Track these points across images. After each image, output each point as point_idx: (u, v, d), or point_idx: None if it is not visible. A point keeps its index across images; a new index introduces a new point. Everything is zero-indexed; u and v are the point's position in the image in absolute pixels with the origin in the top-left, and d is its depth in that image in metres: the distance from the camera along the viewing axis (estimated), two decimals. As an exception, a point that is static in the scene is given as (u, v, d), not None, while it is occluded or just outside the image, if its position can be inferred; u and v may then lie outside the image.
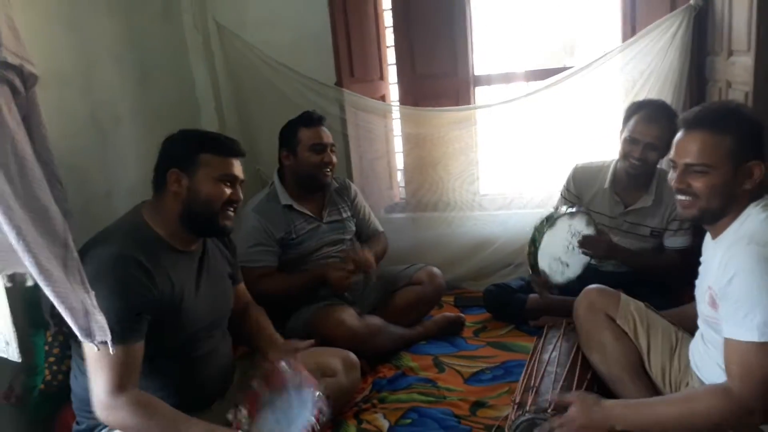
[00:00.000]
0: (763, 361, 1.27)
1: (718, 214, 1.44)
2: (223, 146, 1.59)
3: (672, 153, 1.49)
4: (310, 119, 2.33)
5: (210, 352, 1.62)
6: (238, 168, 1.61)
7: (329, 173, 2.35)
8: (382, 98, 3.17)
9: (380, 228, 2.61)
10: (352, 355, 1.96)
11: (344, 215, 2.46)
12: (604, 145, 2.76)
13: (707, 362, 1.52)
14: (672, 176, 1.48)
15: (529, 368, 1.83)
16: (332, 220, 2.41)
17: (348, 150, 2.95)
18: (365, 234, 2.56)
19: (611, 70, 2.73)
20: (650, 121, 2.19)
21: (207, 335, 1.62)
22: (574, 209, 2.16)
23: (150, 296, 1.43)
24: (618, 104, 2.74)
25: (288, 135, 2.34)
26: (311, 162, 2.30)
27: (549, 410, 1.55)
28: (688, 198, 1.45)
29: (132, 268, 1.40)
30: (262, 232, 2.26)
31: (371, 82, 3.10)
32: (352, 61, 2.90)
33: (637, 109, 2.25)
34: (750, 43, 2.03)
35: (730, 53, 2.26)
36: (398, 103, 3.16)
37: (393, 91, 3.29)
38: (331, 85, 2.88)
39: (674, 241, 2.35)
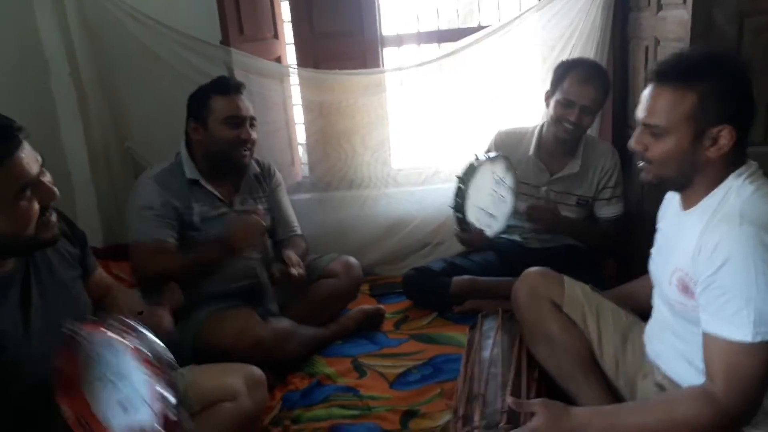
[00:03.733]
0: (753, 364, 1.09)
1: (679, 182, 1.25)
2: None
3: (637, 109, 1.25)
4: (226, 86, 1.94)
5: None
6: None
7: (247, 152, 1.95)
8: (278, 60, 2.77)
9: (299, 230, 2.22)
10: (257, 371, 1.59)
11: (261, 204, 2.07)
12: (525, 110, 2.60)
13: (672, 355, 1.34)
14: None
15: (468, 370, 1.57)
16: (244, 209, 1.99)
17: (240, 120, 2.53)
18: (280, 233, 2.16)
19: (530, 29, 2.54)
20: (585, 82, 2.05)
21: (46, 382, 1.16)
22: (494, 154, 2.05)
23: None
24: (538, 66, 2.58)
25: (197, 103, 1.93)
26: (225, 138, 1.89)
27: (502, 424, 1.29)
28: (643, 162, 1.26)
29: None
30: (160, 202, 1.85)
31: (264, 41, 2.69)
32: (241, 15, 2.48)
33: (568, 68, 2.10)
34: (686, -5, 1.86)
35: (660, 7, 2.10)
36: (296, 66, 2.78)
37: (290, 53, 2.91)
38: (216, 44, 2.45)
39: (607, 210, 2.26)
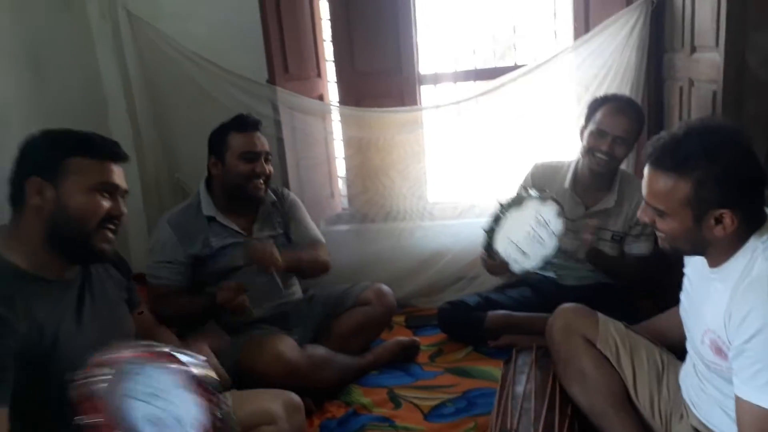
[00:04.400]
0: None
1: (695, 252, 1.27)
2: (98, 147, 1.27)
3: None
4: (243, 123, 2.05)
5: None
6: (119, 175, 1.29)
7: (262, 185, 2.05)
8: (320, 98, 2.89)
9: (321, 238, 2.28)
10: (295, 396, 1.65)
11: (279, 231, 2.16)
12: (560, 147, 2.62)
13: (707, 402, 1.34)
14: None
15: (502, 404, 1.60)
16: (264, 236, 2.09)
17: (283, 155, 2.63)
18: (301, 245, 2.21)
19: (565, 68, 2.60)
20: (618, 113, 2.06)
21: None
22: (546, 194, 1.94)
23: (7, 349, 1.11)
24: (573, 105, 2.62)
25: (217, 140, 2.05)
26: (240, 172, 2.01)
27: (534, 459, 1.32)
28: (658, 233, 1.29)
29: None
30: (171, 247, 1.98)
31: (307, 80, 2.81)
32: (286, 56, 2.61)
33: (602, 102, 2.12)
34: (718, 39, 1.89)
35: (693, 49, 2.13)
36: (338, 104, 2.89)
37: (332, 91, 3.01)
38: (263, 82, 2.57)
39: (635, 248, 2.23)
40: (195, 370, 1.14)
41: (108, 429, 1.09)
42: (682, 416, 1.45)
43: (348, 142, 2.80)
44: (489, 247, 1.94)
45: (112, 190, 1.27)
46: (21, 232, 1.23)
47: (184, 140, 2.66)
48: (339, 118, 2.79)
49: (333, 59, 2.91)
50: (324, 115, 2.75)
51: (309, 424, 1.80)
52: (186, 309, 1.95)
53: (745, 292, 1.14)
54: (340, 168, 2.98)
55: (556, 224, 1.96)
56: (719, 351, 1.22)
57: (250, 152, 2.02)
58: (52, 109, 2.20)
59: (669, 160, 1.17)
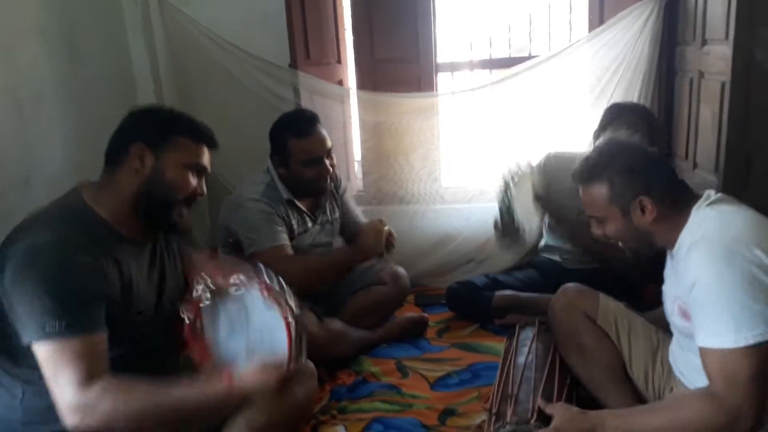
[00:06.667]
0: (742, 365, 1.17)
1: (648, 248, 1.43)
2: (201, 132, 1.39)
3: None
4: (299, 128, 2.01)
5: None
6: (208, 160, 1.42)
7: (327, 183, 2.11)
8: (340, 83, 2.98)
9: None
10: (310, 364, 1.73)
11: (335, 215, 2.26)
12: (571, 137, 2.68)
13: (692, 371, 1.41)
14: None
15: (504, 373, 1.68)
16: (324, 221, 2.21)
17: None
18: (349, 231, 2.31)
19: (579, 59, 2.66)
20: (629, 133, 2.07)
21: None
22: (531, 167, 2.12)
23: (100, 283, 1.24)
24: (585, 95, 2.67)
25: (277, 142, 2.05)
26: (306, 177, 2.05)
27: (532, 421, 1.41)
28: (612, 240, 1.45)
29: (74, 253, 1.21)
30: (272, 214, 2.01)
31: (328, 66, 2.90)
32: (308, 42, 2.70)
33: (617, 115, 2.10)
34: (728, 32, 1.96)
35: (704, 42, 2.19)
36: (356, 88, 2.97)
37: (351, 77, 3.10)
38: (285, 66, 2.66)
39: None
40: (269, 281, 1.33)
41: (207, 360, 1.29)
42: (672, 389, 1.53)
43: (364, 127, 2.88)
44: (509, 213, 2.04)
45: (201, 171, 1.39)
46: (111, 187, 1.34)
47: (210, 122, 2.72)
48: (357, 102, 2.87)
49: (353, 46, 2.98)
50: (343, 99, 2.83)
51: (321, 390, 1.90)
52: (313, 264, 1.98)
53: (689, 252, 1.27)
54: (357, 152, 3.06)
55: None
56: (685, 314, 1.33)
57: (313, 159, 2.02)
58: (84, 88, 2.28)
59: (585, 173, 1.42)
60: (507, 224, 2.07)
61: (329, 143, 2.09)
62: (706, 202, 1.33)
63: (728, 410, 1.18)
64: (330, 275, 2.03)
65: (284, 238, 2.02)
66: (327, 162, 2.07)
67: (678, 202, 1.35)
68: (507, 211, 2.04)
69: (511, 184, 2.02)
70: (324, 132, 2.09)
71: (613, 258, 2.21)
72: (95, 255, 1.24)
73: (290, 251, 2.02)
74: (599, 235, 1.45)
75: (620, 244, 1.45)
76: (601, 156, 1.42)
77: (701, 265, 1.22)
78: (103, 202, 1.33)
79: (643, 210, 1.34)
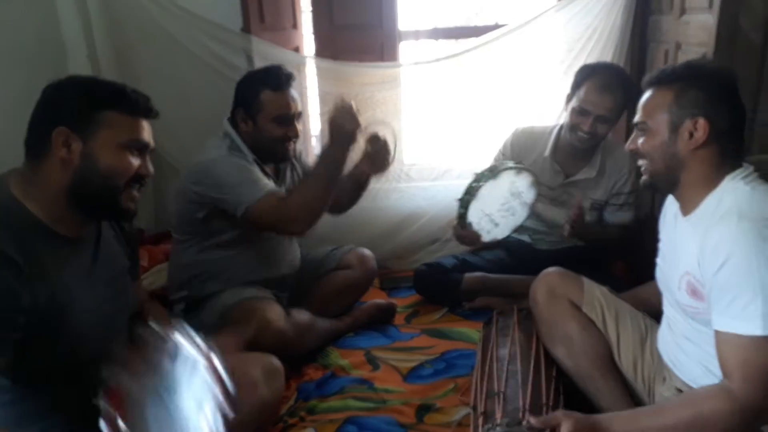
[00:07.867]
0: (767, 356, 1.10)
1: (670, 179, 1.29)
2: (132, 101, 1.18)
3: None
4: (278, 80, 1.86)
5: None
6: (149, 133, 1.22)
7: (293, 147, 1.94)
8: (296, 50, 2.75)
9: None
10: (275, 360, 1.59)
11: (295, 179, 2.08)
12: (541, 110, 2.59)
13: (688, 361, 1.35)
14: None
15: (486, 367, 1.58)
16: (287, 187, 2.02)
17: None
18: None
19: (549, 29, 2.54)
20: (603, 91, 1.98)
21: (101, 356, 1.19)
22: (521, 165, 1.95)
23: (18, 306, 1.04)
24: (555, 66, 2.57)
25: (248, 96, 1.88)
26: (273, 135, 1.87)
27: (524, 422, 1.30)
28: (641, 161, 1.35)
29: None
30: (248, 165, 1.84)
31: (283, 31, 2.68)
32: (262, 4, 2.46)
33: (588, 75, 2.03)
34: (712, 0, 1.86)
35: (683, 11, 2.10)
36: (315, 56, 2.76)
37: (308, 44, 2.88)
38: (237, 31, 2.43)
39: (618, 216, 2.24)
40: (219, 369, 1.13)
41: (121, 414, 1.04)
42: (664, 379, 1.46)
43: (323, 98, 2.68)
44: (462, 218, 1.93)
45: (142, 148, 1.19)
46: (41, 181, 1.13)
47: (151, 90, 2.48)
48: (315, 72, 2.67)
49: (311, 11, 2.77)
50: (299, 67, 2.61)
51: (286, 387, 1.75)
52: (320, 178, 1.74)
53: (715, 225, 1.17)
54: (314, 125, 2.87)
55: (529, 194, 1.99)
56: (695, 292, 1.23)
57: (286, 115, 1.88)
58: (3, 50, 2.02)
59: (661, 76, 1.30)
60: (461, 219, 1.94)
61: (300, 107, 1.95)
62: (742, 174, 1.23)
63: (744, 406, 1.11)
64: (327, 187, 1.75)
65: (270, 183, 1.86)
66: (296, 125, 1.92)
67: (725, 153, 1.24)
68: (463, 207, 1.91)
69: (480, 181, 1.88)
70: (296, 95, 1.93)
71: (587, 234, 2.18)
72: (20, 264, 1.05)
73: (282, 193, 1.85)
74: (633, 149, 1.34)
75: (643, 163, 1.33)
76: (685, 66, 1.30)
77: (739, 241, 1.11)
78: (32, 197, 1.13)
79: (691, 134, 1.23)
